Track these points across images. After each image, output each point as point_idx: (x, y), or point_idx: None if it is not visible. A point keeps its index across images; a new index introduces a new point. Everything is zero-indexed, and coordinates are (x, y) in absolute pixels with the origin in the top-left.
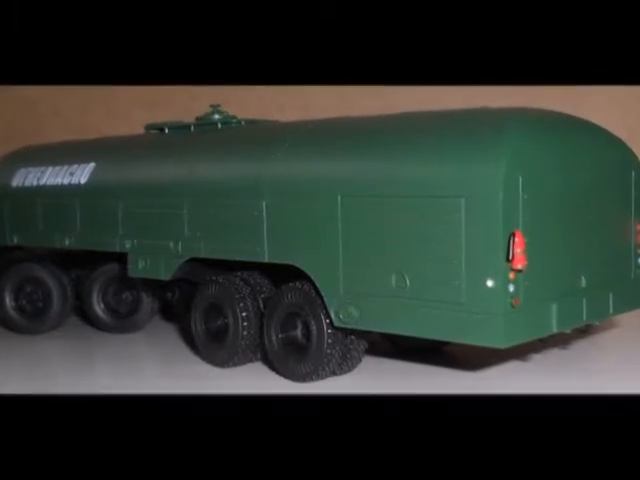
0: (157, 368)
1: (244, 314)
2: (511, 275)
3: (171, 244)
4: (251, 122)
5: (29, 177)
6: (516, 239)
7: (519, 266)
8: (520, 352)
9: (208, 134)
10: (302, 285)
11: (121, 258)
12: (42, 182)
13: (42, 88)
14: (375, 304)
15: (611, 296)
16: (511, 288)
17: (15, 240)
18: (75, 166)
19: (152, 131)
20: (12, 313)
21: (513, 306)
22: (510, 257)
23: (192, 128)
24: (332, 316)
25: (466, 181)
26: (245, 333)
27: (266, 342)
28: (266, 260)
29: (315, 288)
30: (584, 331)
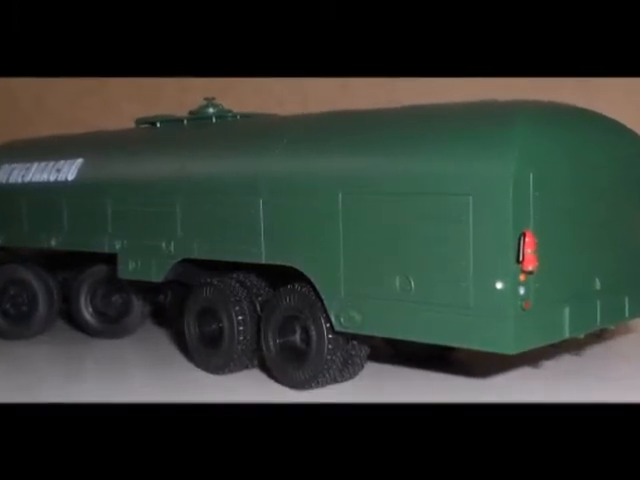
0: (148, 375)
1: (240, 318)
2: (521, 277)
3: (163, 244)
4: (247, 116)
5: (14, 174)
6: (527, 239)
7: (530, 267)
8: (530, 358)
9: (202, 129)
10: (301, 287)
11: (110, 259)
12: (27, 179)
13: (28, 80)
14: (378, 307)
15: (627, 299)
16: (521, 290)
17: None
18: (62, 162)
19: (143, 125)
20: None
21: (524, 309)
22: (520, 258)
23: (185, 122)
24: (333, 320)
25: (474, 178)
26: (241, 338)
27: (263, 347)
28: (263, 261)
29: (315, 290)
30: (598, 336)
